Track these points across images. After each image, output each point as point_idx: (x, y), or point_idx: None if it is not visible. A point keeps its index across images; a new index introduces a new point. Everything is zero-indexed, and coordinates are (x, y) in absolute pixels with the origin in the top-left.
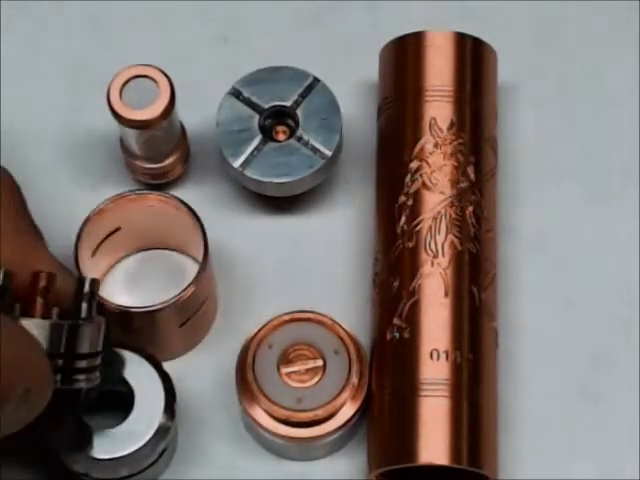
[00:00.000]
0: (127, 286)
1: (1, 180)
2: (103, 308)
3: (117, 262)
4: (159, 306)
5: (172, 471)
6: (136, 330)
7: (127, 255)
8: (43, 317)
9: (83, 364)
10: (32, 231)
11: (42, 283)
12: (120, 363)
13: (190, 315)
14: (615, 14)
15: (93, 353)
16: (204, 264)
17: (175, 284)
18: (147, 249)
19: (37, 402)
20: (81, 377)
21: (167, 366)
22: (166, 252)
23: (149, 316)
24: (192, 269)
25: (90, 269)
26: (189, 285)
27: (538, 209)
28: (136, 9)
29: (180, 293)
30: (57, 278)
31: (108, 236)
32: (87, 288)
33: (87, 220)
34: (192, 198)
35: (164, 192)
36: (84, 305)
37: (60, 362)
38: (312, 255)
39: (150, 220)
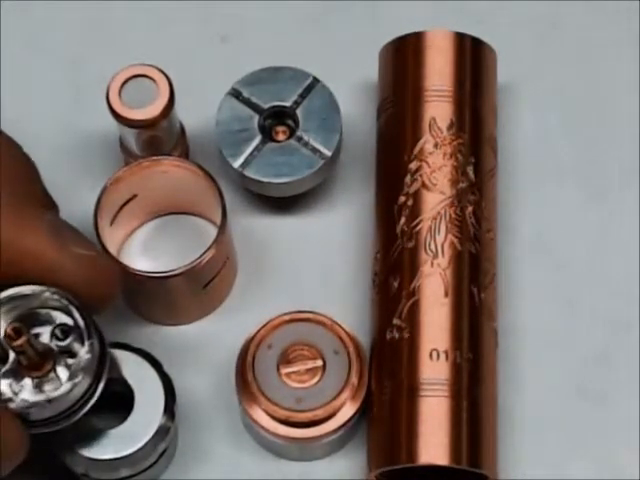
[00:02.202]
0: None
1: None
2: (126, 275)
3: (135, 229)
4: (182, 269)
5: (172, 471)
6: (156, 295)
7: (145, 222)
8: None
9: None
10: (35, 199)
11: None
12: (120, 363)
13: (213, 275)
14: (615, 14)
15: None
16: (223, 226)
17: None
18: (164, 215)
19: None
20: (92, 400)
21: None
22: (184, 217)
23: (175, 279)
24: (210, 232)
25: (109, 238)
26: (210, 246)
27: (538, 209)
28: (136, 9)
29: (202, 255)
30: (64, 270)
31: (125, 204)
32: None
33: (104, 189)
34: None
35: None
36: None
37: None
38: (312, 255)
39: (165, 186)
